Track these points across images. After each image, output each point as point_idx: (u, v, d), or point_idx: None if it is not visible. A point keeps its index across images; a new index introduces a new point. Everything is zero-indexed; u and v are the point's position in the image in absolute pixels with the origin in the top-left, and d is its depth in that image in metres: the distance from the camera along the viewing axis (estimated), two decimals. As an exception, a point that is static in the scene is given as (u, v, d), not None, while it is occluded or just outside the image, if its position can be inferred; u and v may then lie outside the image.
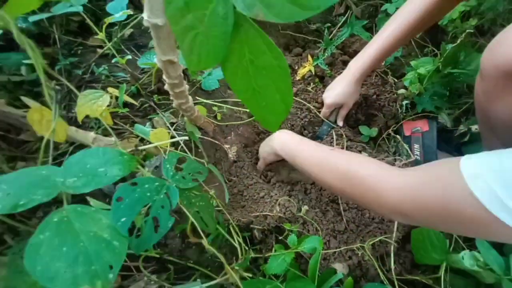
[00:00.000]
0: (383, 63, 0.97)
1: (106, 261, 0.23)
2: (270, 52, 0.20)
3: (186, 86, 0.44)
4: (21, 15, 0.67)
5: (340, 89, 0.76)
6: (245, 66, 0.21)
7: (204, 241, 0.41)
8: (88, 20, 0.68)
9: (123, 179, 0.31)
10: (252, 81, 0.21)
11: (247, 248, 0.57)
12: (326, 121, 0.81)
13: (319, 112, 0.83)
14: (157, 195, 0.30)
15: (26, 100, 0.43)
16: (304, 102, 0.85)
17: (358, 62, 0.73)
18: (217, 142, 0.73)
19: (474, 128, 0.79)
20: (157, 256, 0.58)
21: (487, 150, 0.76)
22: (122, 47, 0.82)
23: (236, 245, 0.52)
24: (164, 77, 0.40)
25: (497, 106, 0.58)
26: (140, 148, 0.43)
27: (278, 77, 0.21)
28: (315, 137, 0.83)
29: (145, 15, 0.29)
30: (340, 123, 0.81)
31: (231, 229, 0.59)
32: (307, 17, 0.16)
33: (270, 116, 0.24)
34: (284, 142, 0.63)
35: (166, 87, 0.43)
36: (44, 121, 0.42)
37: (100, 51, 0.81)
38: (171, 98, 0.47)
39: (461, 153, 0.86)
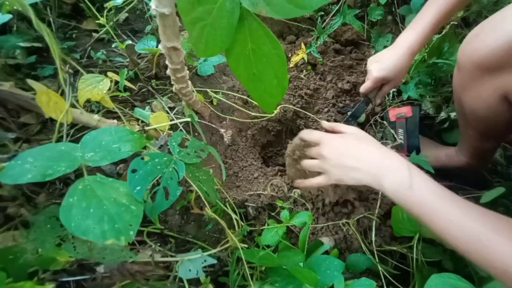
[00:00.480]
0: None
1: (126, 221, 0.27)
2: (270, 43, 0.23)
3: (187, 72, 0.47)
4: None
5: (391, 62, 0.67)
6: (247, 54, 0.25)
7: (208, 210, 0.45)
8: (85, 4, 0.68)
9: (133, 156, 0.34)
10: (253, 67, 0.25)
11: (242, 224, 0.61)
12: (364, 99, 0.74)
13: (310, 98, 0.87)
14: (166, 168, 0.33)
15: (31, 82, 0.45)
16: (297, 89, 0.89)
17: (412, 35, 0.65)
18: (213, 126, 0.76)
19: (453, 115, 0.85)
20: (158, 231, 0.62)
21: (462, 137, 0.81)
22: (118, 31, 0.82)
23: (236, 217, 0.56)
24: (167, 62, 0.42)
25: (470, 96, 0.62)
26: (145, 128, 0.46)
27: (276, 64, 0.24)
28: (351, 116, 0.77)
29: (153, 4, 0.32)
30: (378, 101, 0.75)
31: (228, 206, 0.63)
32: (302, 14, 0.20)
33: (268, 98, 0.27)
34: (404, 181, 0.43)
35: (168, 72, 0.45)
36: (51, 103, 0.44)
37: (95, 35, 0.82)
38: (171, 82, 0.50)
39: (441, 138, 0.93)
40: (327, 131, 0.59)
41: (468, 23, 1.03)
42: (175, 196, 0.33)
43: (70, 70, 0.43)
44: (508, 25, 0.49)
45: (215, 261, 0.49)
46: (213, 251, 0.49)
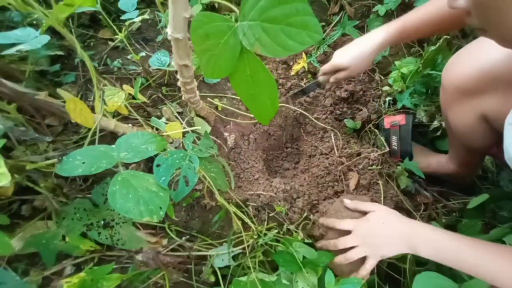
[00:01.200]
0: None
1: (157, 204, 0.34)
2: (264, 72, 0.29)
3: (195, 84, 0.53)
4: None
5: (353, 53, 0.71)
6: (246, 79, 0.30)
7: (218, 197, 0.51)
8: (102, 15, 0.75)
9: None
10: (250, 89, 0.30)
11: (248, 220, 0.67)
12: (317, 79, 0.82)
13: (309, 105, 0.92)
14: (184, 161, 0.40)
15: (61, 92, 0.51)
16: (297, 96, 0.94)
17: (381, 34, 0.69)
18: (217, 130, 0.82)
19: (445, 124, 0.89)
20: (164, 226, 0.68)
21: (450, 147, 0.86)
22: (132, 40, 0.89)
23: (243, 216, 0.62)
24: (178, 76, 0.48)
25: (453, 115, 0.67)
26: (161, 135, 0.52)
27: (269, 88, 0.30)
28: (300, 91, 0.87)
29: (169, 30, 0.38)
30: (328, 85, 0.80)
31: (232, 205, 0.69)
32: (288, 55, 0.25)
33: (263, 113, 0.33)
34: (434, 242, 0.53)
35: (179, 83, 0.51)
36: (77, 109, 0.50)
37: (111, 43, 0.88)
38: (181, 92, 0.56)
39: (434, 146, 0.97)
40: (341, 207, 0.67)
41: (465, 34, 1.07)
42: (193, 183, 0.40)
43: (103, 87, 0.49)
44: (482, 54, 0.55)
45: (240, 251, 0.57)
46: (239, 248, 0.55)
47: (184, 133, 0.70)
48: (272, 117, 0.33)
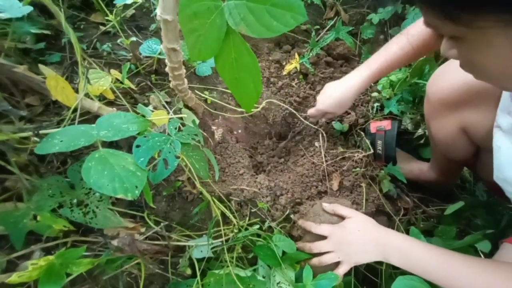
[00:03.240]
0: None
1: (133, 183, 0.33)
2: (249, 55, 0.29)
3: (183, 70, 0.52)
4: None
5: (334, 100, 0.76)
6: (231, 62, 0.30)
7: (198, 186, 0.51)
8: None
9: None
10: (235, 72, 0.30)
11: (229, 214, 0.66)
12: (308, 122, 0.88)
13: (299, 105, 0.93)
14: (165, 144, 0.40)
15: (42, 68, 0.50)
16: (287, 96, 0.95)
17: (358, 78, 0.74)
18: (205, 123, 0.82)
19: (429, 132, 0.92)
20: (143, 215, 0.67)
21: (432, 155, 0.89)
22: (124, 26, 0.88)
23: (225, 210, 0.62)
24: (166, 61, 0.48)
25: (435, 125, 0.70)
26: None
27: (253, 72, 0.30)
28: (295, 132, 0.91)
29: (158, 10, 0.37)
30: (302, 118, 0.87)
31: (213, 198, 0.69)
32: (271, 36, 0.25)
33: (247, 98, 0.33)
34: (405, 252, 0.55)
35: (167, 69, 0.51)
36: (59, 87, 0.49)
37: (102, 28, 0.87)
38: (169, 79, 0.55)
39: (417, 153, 0.99)
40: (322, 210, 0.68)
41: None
42: (173, 166, 0.39)
43: (87, 65, 0.47)
44: None
45: (220, 243, 0.57)
46: (219, 240, 0.55)
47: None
48: (255, 103, 0.33)
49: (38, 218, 0.41)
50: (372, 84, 1.07)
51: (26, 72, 0.42)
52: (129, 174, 0.34)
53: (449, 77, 0.60)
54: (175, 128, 0.43)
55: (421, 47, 0.68)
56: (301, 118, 0.90)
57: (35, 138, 0.37)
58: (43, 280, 0.37)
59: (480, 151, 0.69)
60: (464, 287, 0.48)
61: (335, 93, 0.77)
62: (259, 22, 0.24)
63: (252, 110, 0.79)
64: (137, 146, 0.37)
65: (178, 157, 0.39)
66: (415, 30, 0.67)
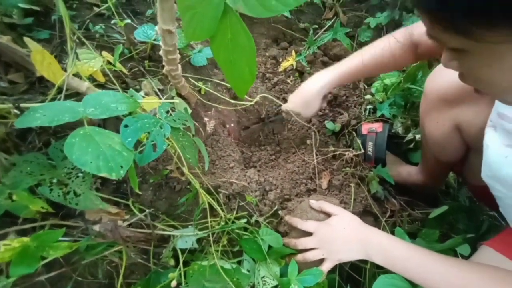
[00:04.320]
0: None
1: (118, 162, 0.32)
2: (245, 36, 0.28)
3: (178, 55, 0.51)
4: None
5: (302, 99, 0.77)
6: (226, 43, 0.29)
7: (186, 170, 0.49)
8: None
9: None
10: (230, 54, 0.29)
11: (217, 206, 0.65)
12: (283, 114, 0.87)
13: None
14: (154, 127, 0.38)
15: (28, 41, 0.47)
16: (282, 92, 0.95)
17: (326, 75, 0.75)
18: (197, 113, 0.80)
19: (418, 137, 0.94)
20: (128, 203, 0.65)
21: (422, 159, 0.90)
22: (120, 9, 0.85)
23: (212, 202, 0.61)
24: (161, 43, 0.46)
25: (430, 122, 0.71)
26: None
27: (248, 54, 0.29)
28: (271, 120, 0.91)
29: (154, -12, 0.36)
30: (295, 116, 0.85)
31: (202, 190, 0.67)
32: (270, 15, 0.25)
33: (241, 83, 0.32)
34: (386, 250, 0.55)
35: (161, 52, 0.49)
36: (45, 62, 0.46)
37: (96, 9, 0.84)
38: (163, 63, 0.54)
39: (406, 157, 1.01)
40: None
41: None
42: (161, 149, 0.38)
43: (77, 40, 0.45)
44: None
45: (205, 235, 0.55)
46: (205, 232, 0.53)
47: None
48: (249, 86, 0.33)
49: (14, 197, 0.39)
50: (366, 87, 1.08)
51: (10, 43, 0.40)
52: (114, 153, 0.32)
53: (448, 74, 0.61)
54: (166, 112, 0.42)
55: (401, 58, 0.69)
56: (294, 115, 0.89)
57: (15, 111, 0.35)
58: (15, 262, 0.35)
59: (468, 154, 0.71)
60: (440, 285, 0.49)
61: (301, 91, 0.77)
62: (257, 1, 0.23)
63: (245, 103, 0.78)
64: (125, 126, 0.36)
65: (167, 141, 0.38)
66: (401, 37, 0.68)
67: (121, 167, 0.32)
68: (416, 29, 0.67)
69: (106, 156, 0.32)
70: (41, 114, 0.33)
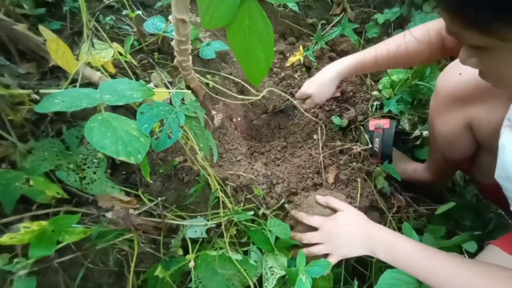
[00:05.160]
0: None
1: (136, 147, 0.33)
2: (263, 22, 0.28)
3: (190, 46, 0.51)
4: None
5: (316, 83, 0.80)
6: (243, 29, 0.30)
7: (199, 156, 0.50)
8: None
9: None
10: (247, 41, 0.30)
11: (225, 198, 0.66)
12: (294, 103, 0.88)
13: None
14: (169, 114, 0.39)
15: (43, 29, 0.48)
16: (289, 87, 0.95)
17: (341, 63, 0.78)
18: (205, 107, 0.81)
19: (425, 133, 0.93)
20: (137, 193, 0.66)
21: (429, 156, 0.90)
22: (130, 1, 0.85)
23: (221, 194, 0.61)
24: (174, 33, 0.47)
25: (441, 120, 0.70)
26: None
27: (265, 40, 0.29)
28: (280, 111, 0.93)
29: (170, -24, 0.36)
30: (304, 107, 0.88)
31: (210, 182, 0.68)
32: (292, 1, 0.25)
33: (256, 71, 0.32)
34: (391, 247, 0.55)
35: (172, 42, 0.50)
36: (59, 51, 0.47)
37: (106, 1, 0.84)
38: (174, 53, 0.54)
39: (413, 154, 1.01)
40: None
41: (453, 57, 1.13)
42: (176, 136, 0.39)
43: (93, 29, 0.46)
44: None
45: (214, 225, 0.57)
46: (213, 222, 0.54)
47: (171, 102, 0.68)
48: (265, 75, 0.33)
49: (31, 182, 0.39)
50: (373, 83, 1.08)
51: (26, 31, 0.41)
52: (132, 138, 0.33)
53: (461, 72, 0.60)
54: (179, 101, 0.42)
55: (414, 54, 0.69)
56: (302, 110, 0.89)
57: (34, 96, 0.36)
58: (34, 244, 0.36)
59: (478, 152, 0.70)
60: (442, 283, 0.48)
61: (317, 76, 0.81)
62: (278, -14, 0.23)
63: (252, 97, 0.79)
64: (141, 113, 0.37)
65: (181, 128, 0.38)
66: (417, 33, 0.68)
67: (139, 152, 0.32)
68: (439, 25, 0.66)
69: (124, 141, 0.32)
70: (60, 100, 0.34)
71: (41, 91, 0.36)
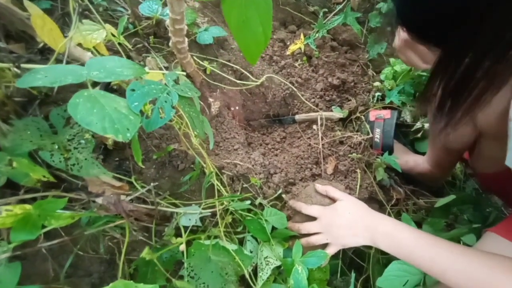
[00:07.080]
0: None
1: (125, 125, 0.31)
2: (261, -10, 0.26)
3: (185, 26, 0.49)
4: None
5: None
6: (240, 2, 0.27)
7: (193, 139, 0.48)
8: None
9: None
10: (243, 13, 0.27)
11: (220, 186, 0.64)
12: (293, 116, 0.90)
13: (300, 86, 0.90)
14: (161, 93, 0.37)
15: (28, 4, 0.45)
16: (289, 76, 0.92)
17: None
18: (202, 94, 0.78)
19: (427, 126, 0.91)
20: (130, 180, 0.64)
21: (430, 148, 0.89)
22: (124, -17, 0.82)
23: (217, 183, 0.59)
24: (168, 11, 0.44)
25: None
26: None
27: (263, 11, 0.27)
28: (278, 121, 0.92)
29: None
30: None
31: (206, 170, 0.66)
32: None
33: (253, 46, 0.30)
34: (393, 236, 0.54)
35: (167, 22, 0.47)
36: (46, 28, 0.45)
37: (100, -18, 0.81)
38: (169, 34, 0.51)
39: (413, 146, 0.99)
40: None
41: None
42: (169, 116, 0.37)
43: (81, 2, 0.43)
44: None
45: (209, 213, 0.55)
46: (208, 211, 0.52)
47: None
48: (262, 50, 0.31)
49: (14, 164, 0.37)
50: (375, 74, 1.05)
51: (9, 5, 0.38)
52: (121, 116, 0.31)
53: None
54: (173, 80, 0.40)
55: None
56: (303, 99, 0.87)
57: (16, 70, 0.33)
58: (16, 228, 0.34)
59: (478, 141, 0.69)
60: (445, 272, 0.48)
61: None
62: None
63: (251, 83, 0.76)
64: (132, 90, 0.34)
65: (174, 108, 0.36)
66: None
67: (128, 129, 0.30)
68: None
69: (112, 118, 0.30)
70: (43, 75, 0.31)
71: (24, 65, 0.34)
